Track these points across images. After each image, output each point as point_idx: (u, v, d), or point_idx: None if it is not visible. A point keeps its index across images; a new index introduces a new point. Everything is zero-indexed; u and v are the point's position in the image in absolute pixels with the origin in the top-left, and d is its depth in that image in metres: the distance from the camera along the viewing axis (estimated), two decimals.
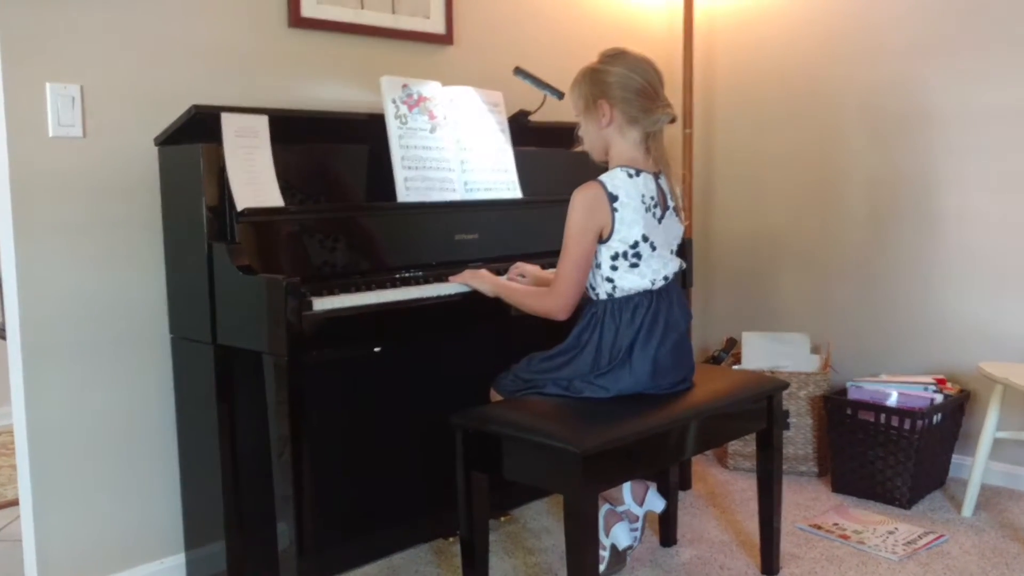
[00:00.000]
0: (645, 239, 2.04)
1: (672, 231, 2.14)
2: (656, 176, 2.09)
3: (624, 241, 2.03)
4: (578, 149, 2.18)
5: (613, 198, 2.01)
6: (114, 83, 2.19)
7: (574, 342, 2.12)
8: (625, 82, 2.04)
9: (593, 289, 2.11)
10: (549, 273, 2.29)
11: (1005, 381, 2.60)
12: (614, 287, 2.07)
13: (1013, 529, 2.64)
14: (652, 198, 2.06)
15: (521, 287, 2.23)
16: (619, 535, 2.28)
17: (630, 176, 2.03)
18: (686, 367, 2.16)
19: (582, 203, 2.02)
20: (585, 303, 2.15)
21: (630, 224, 2.02)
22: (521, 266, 2.38)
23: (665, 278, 2.10)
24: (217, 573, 2.19)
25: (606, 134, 2.10)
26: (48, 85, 2.08)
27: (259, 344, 1.97)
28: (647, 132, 2.07)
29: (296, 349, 1.91)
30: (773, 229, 3.49)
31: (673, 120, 2.09)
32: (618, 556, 2.35)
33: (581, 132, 2.16)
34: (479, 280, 2.24)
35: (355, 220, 2.26)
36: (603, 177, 2.04)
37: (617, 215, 2.01)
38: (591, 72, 2.09)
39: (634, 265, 2.05)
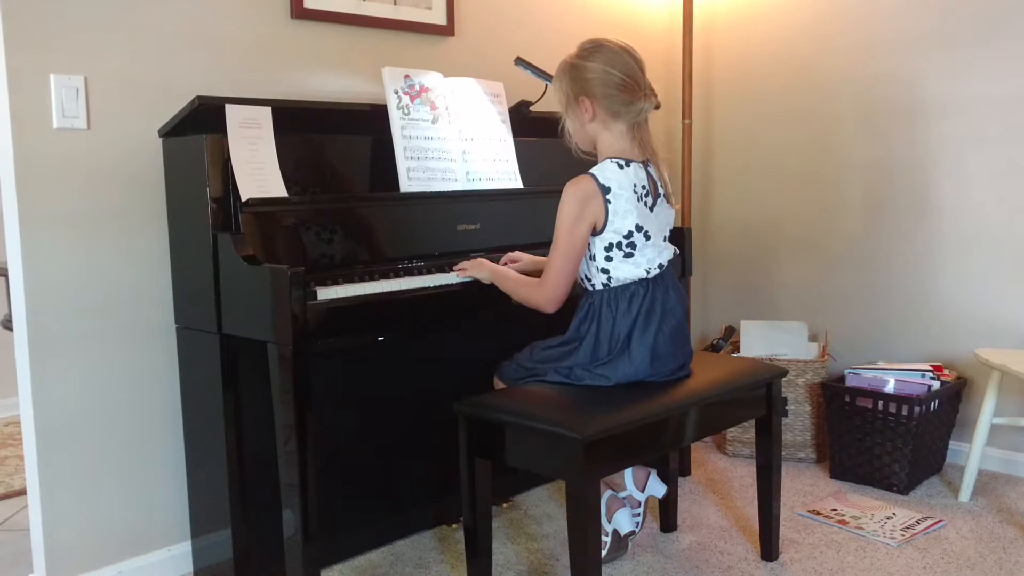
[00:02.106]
0: (639, 228, 2.06)
1: (664, 218, 2.15)
2: (645, 164, 2.10)
3: (618, 232, 2.04)
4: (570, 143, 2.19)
5: (606, 190, 2.02)
6: (118, 74, 2.20)
7: (573, 334, 2.14)
8: (605, 78, 2.04)
9: (589, 280, 2.13)
10: (541, 260, 2.30)
11: (1002, 367, 2.63)
12: (609, 277, 2.09)
13: (1010, 514, 2.67)
14: (643, 187, 2.07)
15: (516, 275, 2.24)
16: (621, 521, 2.31)
17: (620, 167, 2.04)
18: (685, 353, 2.18)
19: (574, 196, 2.03)
20: (581, 294, 2.17)
21: (623, 215, 2.03)
22: (515, 255, 2.40)
23: (660, 266, 2.12)
24: (223, 561, 2.21)
25: (591, 129, 2.11)
26: (52, 76, 2.09)
27: (264, 334, 1.98)
28: (631, 123, 2.08)
29: (300, 338, 1.93)
30: (771, 218, 3.51)
31: (657, 107, 2.09)
32: (620, 541, 2.37)
33: (567, 126, 2.16)
34: (477, 268, 2.26)
35: (358, 210, 2.27)
36: (594, 170, 2.05)
37: (610, 206, 2.02)
38: (570, 68, 2.09)
39: (628, 255, 2.07)
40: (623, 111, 2.06)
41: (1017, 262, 2.93)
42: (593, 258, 2.08)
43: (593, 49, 2.07)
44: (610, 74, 2.04)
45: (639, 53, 2.09)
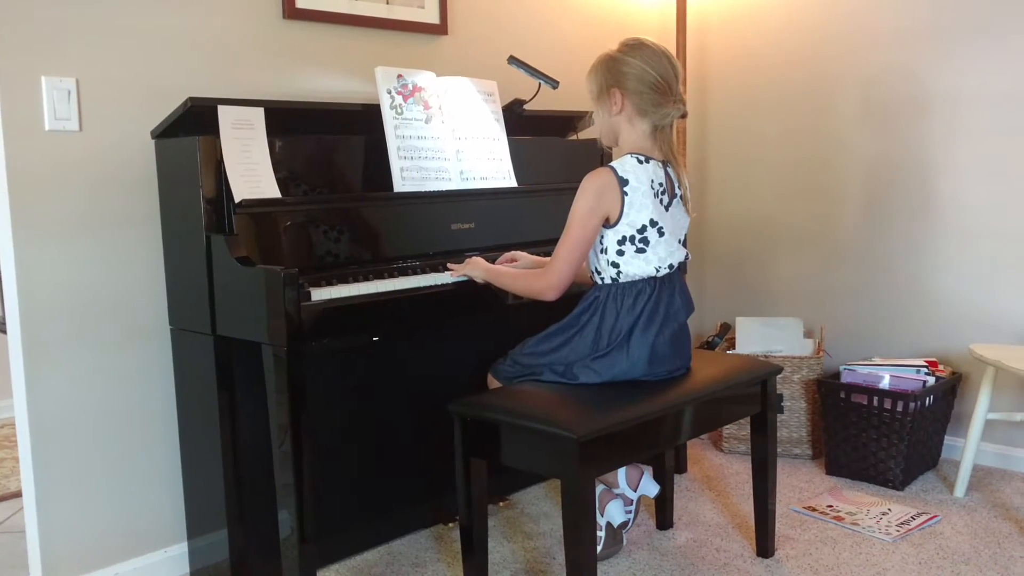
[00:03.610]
0: (653, 224, 2.07)
1: (679, 220, 2.16)
2: (664, 164, 2.12)
3: (632, 225, 2.05)
4: (582, 135, 2.20)
5: (624, 182, 2.03)
6: (110, 76, 2.19)
7: (573, 322, 2.14)
8: (640, 75, 2.07)
9: (598, 273, 2.13)
10: (542, 259, 2.31)
11: (996, 363, 2.63)
12: (619, 272, 2.09)
13: (1005, 509, 2.68)
14: (661, 184, 2.09)
15: (511, 270, 2.25)
16: (613, 512, 2.31)
17: (640, 162, 2.06)
18: (684, 356, 2.18)
19: (592, 187, 2.04)
20: (588, 287, 2.17)
21: (639, 208, 2.04)
22: (513, 253, 2.41)
23: (670, 266, 2.13)
24: (219, 561, 2.21)
25: (615, 122, 2.13)
26: (44, 79, 2.09)
27: (258, 335, 1.98)
28: (656, 125, 2.10)
29: (295, 340, 1.93)
30: (766, 215, 3.51)
31: (684, 116, 2.12)
32: (614, 535, 2.37)
33: (594, 117, 2.20)
34: (472, 267, 2.26)
35: (352, 210, 2.27)
36: (613, 163, 2.07)
37: (627, 199, 2.03)
38: (609, 60, 2.12)
39: (640, 250, 2.07)
40: (650, 111, 2.08)
41: (1011, 258, 2.93)
42: (605, 251, 2.09)
43: (635, 46, 2.10)
44: (646, 73, 2.07)
45: (677, 61, 2.13)
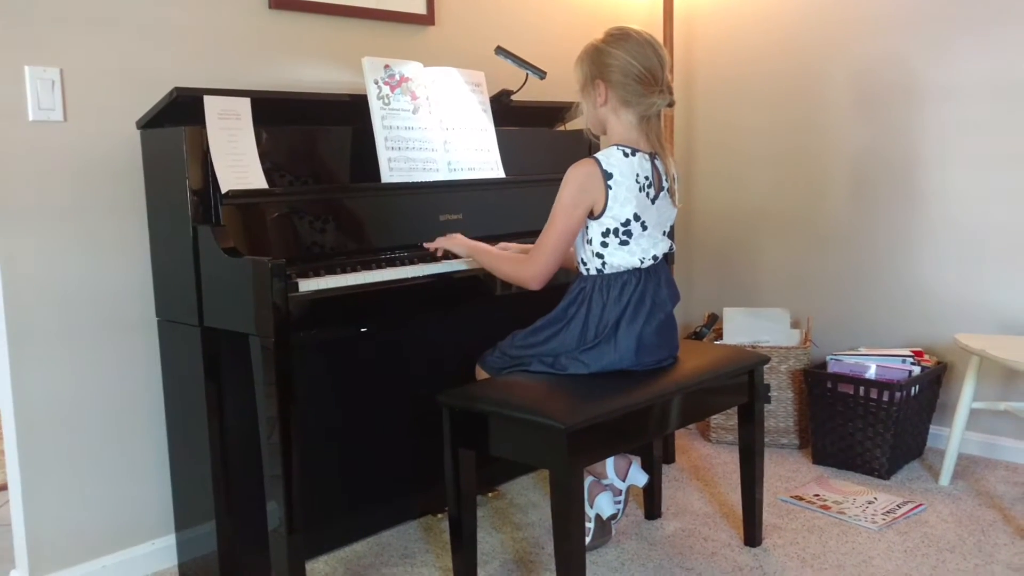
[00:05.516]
0: (636, 218, 2.06)
1: (665, 212, 2.16)
2: (652, 156, 2.11)
3: (615, 219, 2.05)
4: (570, 126, 2.20)
5: (608, 175, 2.03)
6: (95, 66, 2.17)
7: (560, 315, 2.14)
8: (625, 67, 2.05)
9: (584, 264, 2.13)
10: (528, 246, 2.30)
11: (981, 353, 2.65)
12: (603, 263, 2.09)
13: (989, 497, 2.70)
14: (647, 178, 2.08)
15: (496, 251, 2.24)
16: (603, 505, 2.32)
17: (625, 155, 2.05)
18: (671, 346, 2.18)
19: (576, 179, 2.04)
20: (574, 278, 2.17)
21: (623, 202, 2.04)
22: (502, 245, 2.40)
23: (655, 257, 2.13)
24: (208, 553, 2.21)
25: (601, 113, 2.12)
26: (27, 68, 2.07)
27: (246, 326, 1.97)
28: (642, 115, 2.09)
29: (283, 330, 1.92)
30: (753, 205, 3.52)
31: (671, 105, 2.11)
32: (603, 526, 2.38)
33: (581, 107, 2.18)
34: (453, 243, 2.26)
35: (340, 201, 2.26)
36: (598, 155, 2.06)
37: (611, 192, 2.03)
38: (594, 51, 2.10)
39: (624, 243, 2.07)
40: (635, 102, 2.07)
41: (996, 249, 2.95)
42: (590, 242, 2.09)
43: (620, 37, 2.08)
44: (631, 65, 2.05)
45: (663, 50, 2.11)
